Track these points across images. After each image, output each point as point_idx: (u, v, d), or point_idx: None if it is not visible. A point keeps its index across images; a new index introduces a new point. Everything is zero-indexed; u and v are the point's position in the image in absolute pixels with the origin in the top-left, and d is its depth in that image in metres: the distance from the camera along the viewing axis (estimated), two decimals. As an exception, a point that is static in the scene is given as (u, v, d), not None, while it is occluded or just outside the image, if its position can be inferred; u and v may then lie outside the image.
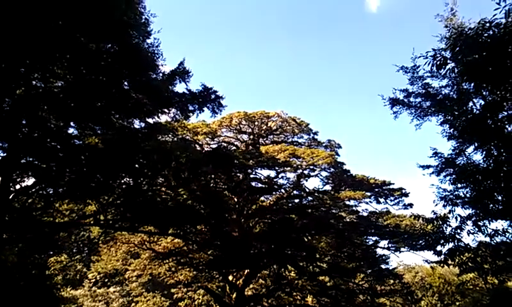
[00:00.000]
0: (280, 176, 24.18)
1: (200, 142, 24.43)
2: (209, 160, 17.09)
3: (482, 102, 12.26)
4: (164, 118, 16.03)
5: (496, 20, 9.53)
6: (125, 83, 13.80)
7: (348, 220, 25.42)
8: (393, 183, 24.65)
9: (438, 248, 14.27)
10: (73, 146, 13.67)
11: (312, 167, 23.31)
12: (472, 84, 11.80)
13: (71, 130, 13.87)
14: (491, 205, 12.80)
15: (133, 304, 30.64)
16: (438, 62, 11.29)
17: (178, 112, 14.94)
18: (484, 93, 11.93)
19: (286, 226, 22.29)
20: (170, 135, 18.79)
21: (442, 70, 11.64)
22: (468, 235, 13.10)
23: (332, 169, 24.66)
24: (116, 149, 13.36)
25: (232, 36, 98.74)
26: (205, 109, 14.83)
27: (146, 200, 15.48)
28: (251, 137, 26.62)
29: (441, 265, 14.76)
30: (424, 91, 13.74)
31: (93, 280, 31.43)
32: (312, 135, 26.99)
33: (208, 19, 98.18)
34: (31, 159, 13.44)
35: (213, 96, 14.67)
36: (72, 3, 10.71)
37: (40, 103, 12.40)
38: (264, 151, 22.87)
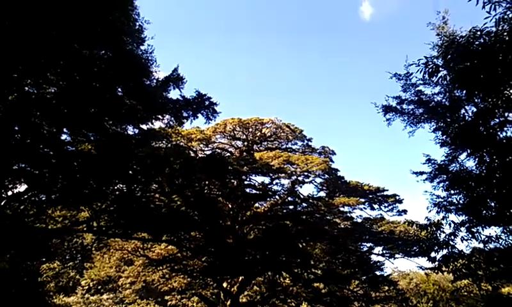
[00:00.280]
0: (274, 182, 24.19)
1: (194, 149, 24.39)
2: (203, 166, 17.05)
3: (474, 109, 12.36)
4: (157, 124, 16.02)
5: (487, 28, 9.63)
6: (119, 89, 13.77)
7: (342, 226, 25.44)
8: (387, 190, 24.78)
9: (432, 254, 14.29)
10: (66, 152, 13.58)
11: (306, 173, 23.34)
12: (464, 92, 11.89)
13: (64, 136, 13.80)
14: (484, 212, 12.84)
15: (126, 311, 30.36)
16: (430, 70, 11.37)
17: (172, 118, 14.92)
18: (476, 100, 12.02)
19: (280, 232, 22.23)
20: (164, 142, 18.73)
21: (434, 77, 11.72)
22: (462, 241, 13.16)
23: (326, 176, 24.71)
24: (109, 156, 13.30)
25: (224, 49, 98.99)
26: (199, 115, 14.82)
27: (139, 206, 15.40)
28: (246, 143, 26.63)
29: (436, 271, 14.78)
30: (416, 98, 13.82)
31: (86, 287, 31.12)
32: (306, 141, 27.07)
33: (199, 22, 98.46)
34: (23, 165, 13.34)
35: (207, 103, 14.67)
36: (66, 10, 10.70)
37: (32, 110, 12.32)
38: (258, 157, 22.88)
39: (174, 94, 14.55)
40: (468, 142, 12.36)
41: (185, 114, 14.77)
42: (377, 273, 25.08)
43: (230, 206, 24.05)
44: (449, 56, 11.12)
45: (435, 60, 11.52)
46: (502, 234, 12.78)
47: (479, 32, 9.89)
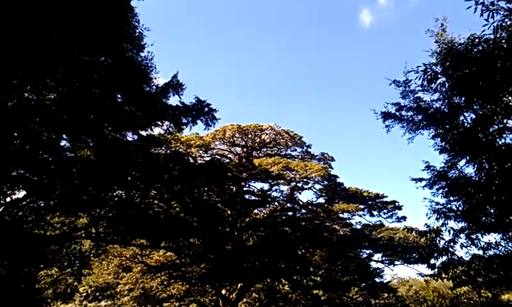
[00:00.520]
0: (273, 188, 24.20)
1: (193, 155, 24.39)
2: (202, 172, 17.03)
3: (473, 116, 12.36)
4: (157, 131, 16.03)
5: (485, 35, 9.65)
6: (119, 96, 13.78)
7: (342, 233, 25.42)
8: (387, 196, 24.78)
9: (432, 261, 14.23)
10: (65, 158, 13.56)
11: (305, 180, 23.35)
12: (463, 98, 11.90)
13: (63, 143, 13.79)
14: (484, 218, 12.80)
15: (125, 319, 30.18)
16: (429, 77, 11.40)
17: (172, 124, 14.91)
18: (474, 107, 12.03)
19: (279, 239, 22.19)
20: (163, 148, 18.74)
21: (433, 84, 11.74)
22: (462, 248, 13.09)
23: (325, 182, 24.70)
24: (108, 162, 13.29)
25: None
26: (198, 121, 14.81)
27: (138, 213, 15.36)
28: (245, 149, 26.64)
29: (435, 278, 14.71)
30: (415, 104, 13.83)
31: (84, 294, 31.01)
32: (305, 148, 27.10)
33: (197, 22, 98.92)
34: (22, 171, 13.30)
35: (206, 109, 14.66)
36: (66, 16, 10.73)
37: (32, 116, 12.31)
38: (258, 164, 22.88)
39: (173, 100, 14.58)
40: (467, 149, 12.36)
41: (184, 121, 14.77)
42: (377, 280, 25.04)
43: (229, 212, 24.01)
44: (448, 63, 11.14)
45: (434, 67, 11.54)
46: (502, 241, 12.74)
47: (477, 40, 9.92)
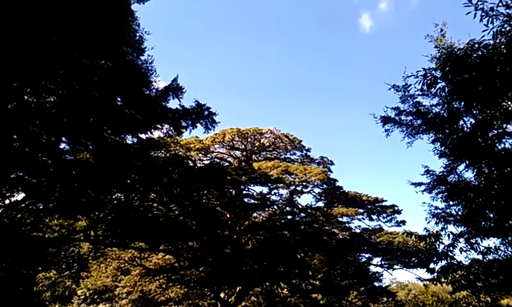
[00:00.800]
0: (272, 192, 24.18)
1: (193, 158, 24.36)
2: (202, 176, 17.04)
3: (473, 121, 12.36)
4: (156, 134, 16.00)
5: (484, 41, 9.68)
6: (118, 99, 13.77)
7: (341, 237, 25.37)
8: (386, 200, 24.75)
9: (431, 266, 14.21)
10: (65, 161, 13.55)
11: (304, 183, 23.34)
12: (462, 103, 11.92)
13: (62, 145, 13.79)
14: (483, 223, 12.79)
15: (123, 322, 30.07)
16: (429, 82, 11.42)
17: (171, 128, 14.91)
18: (474, 111, 12.04)
19: (279, 242, 22.16)
20: (163, 151, 18.70)
21: (433, 88, 11.76)
22: (461, 252, 13.07)
23: (325, 186, 24.69)
24: (107, 165, 13.28)
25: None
26: (198, 125, 14.82)
27: (137, 216, 15.35)
28: (244, 153, 26.63)
29: (434, 282, 14.66)
30: (415, 109, 13.83)
31: (83, 297, 30.93)
32: (304, 151, 27.08)
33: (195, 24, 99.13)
34: (21, 174, 13.28)
35: (206, 113, 14.67)
36: (66, 19, 10.74)
37: (31, 118, 12.31)
38: (257, 167, 22.86)
39: (173, 104, 14.61)
40: (466, 154, 12.36)
41: (184, 124, 14.77)
42: (376, 284, 25.03)
43: (228, 215, 23.97)
44: (447, 68, 11.17)
45: (433, 72, 11.57)
46: (501, 245, 12.72)
47: (476, 45, 9.94)
